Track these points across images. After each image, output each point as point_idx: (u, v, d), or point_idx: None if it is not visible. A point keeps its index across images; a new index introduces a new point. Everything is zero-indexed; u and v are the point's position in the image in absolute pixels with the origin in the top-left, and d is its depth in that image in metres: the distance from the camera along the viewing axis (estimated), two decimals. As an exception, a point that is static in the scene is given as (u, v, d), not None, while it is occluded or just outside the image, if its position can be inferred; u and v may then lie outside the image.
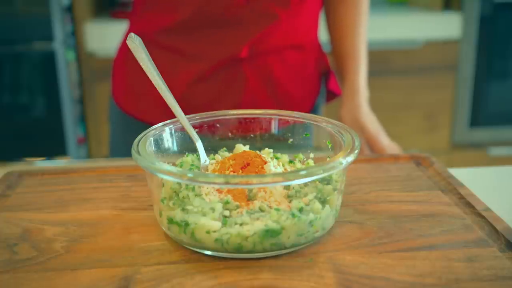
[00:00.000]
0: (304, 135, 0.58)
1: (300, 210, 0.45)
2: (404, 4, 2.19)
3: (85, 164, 0.67)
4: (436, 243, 0.47)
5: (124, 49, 0.90)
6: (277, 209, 0.45)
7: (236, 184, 0.43)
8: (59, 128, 1.81)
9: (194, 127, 0.55)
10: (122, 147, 0.91)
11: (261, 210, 0.46)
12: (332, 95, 0.97)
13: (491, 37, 1.94)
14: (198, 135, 0.55)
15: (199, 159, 0.54)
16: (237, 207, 0.46)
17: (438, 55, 1.92)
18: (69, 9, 1.79)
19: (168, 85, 0.53)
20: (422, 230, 0.49)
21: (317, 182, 0.49)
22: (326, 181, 0.50)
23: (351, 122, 0.85)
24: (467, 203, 0.54)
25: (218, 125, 0.59)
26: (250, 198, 0.48)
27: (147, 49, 0.52)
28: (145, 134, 0.52)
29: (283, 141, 0.59)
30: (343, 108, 0.87)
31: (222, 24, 0.80)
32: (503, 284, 0.41)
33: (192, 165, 0.54)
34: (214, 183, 0.44)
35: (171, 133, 0.55)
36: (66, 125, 1.82)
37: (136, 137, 0.51)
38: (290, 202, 0.47)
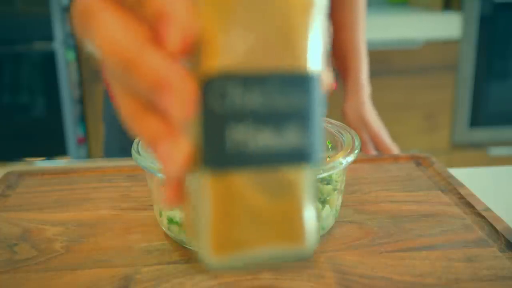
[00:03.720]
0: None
1: (300, 210, 0.45)
2: (404, 4, 2.19)
3: (85, 164, 0.67)
4: (436, 243, 0.47)
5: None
6: (277, 209, 0.45)
7: (236, 184, 0.43)
8: (59, 128, 1.81)
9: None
10: (116, 147, 0.90)
11: (261, 210, 0.46)
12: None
13: (491, 37, 1.94)
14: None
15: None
16: (237, 207, 0.46)
17: (438, 55, 1.92)
18: (69, 9, 1.79)
19: None
20: (422, 230, 0.49)
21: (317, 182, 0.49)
22: (326, 181, 0.49)
23: (355, 118, 0.86)
24: (467, 203, 0.54)
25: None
26: (250, 198, 0.47)
27: None
28: (145, 134, 0.52)
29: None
30: (347, 105, 0.87)
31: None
32: (503, 284, 0.41)
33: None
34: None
35: (171, 133, 0.55)
36: (66, 125, 1.82)
37: (130, 136, 0.51)
38: (290, 202, 0.47)
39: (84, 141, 1.91)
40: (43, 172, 0.63)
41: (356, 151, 0.47)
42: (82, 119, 1.89)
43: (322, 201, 0.48)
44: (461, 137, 2.02)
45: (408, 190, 0.58)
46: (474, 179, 0.62)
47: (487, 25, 1.92)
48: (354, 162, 0.47)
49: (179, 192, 0.24)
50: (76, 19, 0.24)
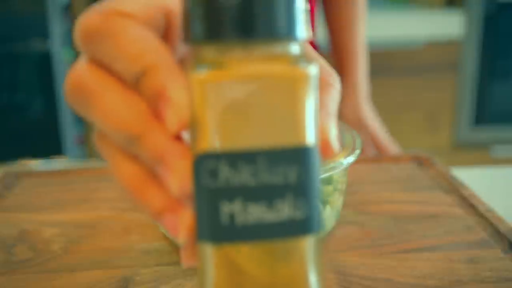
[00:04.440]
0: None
1: (301, 211, 0.45)
2: (406, 3, 2.19)
3: (83, 165, 0.67)
4: (438, 244, 0.47)
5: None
6: (278, 210, 0.44)
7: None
8: (56, 128, 1.80)
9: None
10: None
11: (262, 210, 0.45)
12: None
13: (493, 37, 1.94)
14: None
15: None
16: (237, 207, 0.46)
17: (440, 54, 1.92)
18: (66, 8, 1.79)
19: None
20: (423, 231, 0.49)
21: (318, 182, 0.49)
22: (327, 181, 0.49)
23: (353, 119, 0.85)
24: (469, 203, 0.54)
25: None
26: (250, 199, 0.47)
27: None
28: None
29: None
30: (344, 105, 0.87)
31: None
32: (506, 286, 0.41)
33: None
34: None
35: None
36: (64, 125, 1.81)
37: None
38: (290, 202, 0.47)
39: (82, 141, 1.91)
40: (40, 173, 0.63)
41: (357, 152, 0.47)
42: (80, 119, 1.89)
43: (323, 202, 0.47)
44: (463, 137, 2.02)
45: (410, 191, 0.57)
46: (476, 179, 0.62)
47: (490, 24, 1.91)
48: (355, 162, 0.47)
49: (192, 255, 0.25)
50: (70, 94, 0.24)
